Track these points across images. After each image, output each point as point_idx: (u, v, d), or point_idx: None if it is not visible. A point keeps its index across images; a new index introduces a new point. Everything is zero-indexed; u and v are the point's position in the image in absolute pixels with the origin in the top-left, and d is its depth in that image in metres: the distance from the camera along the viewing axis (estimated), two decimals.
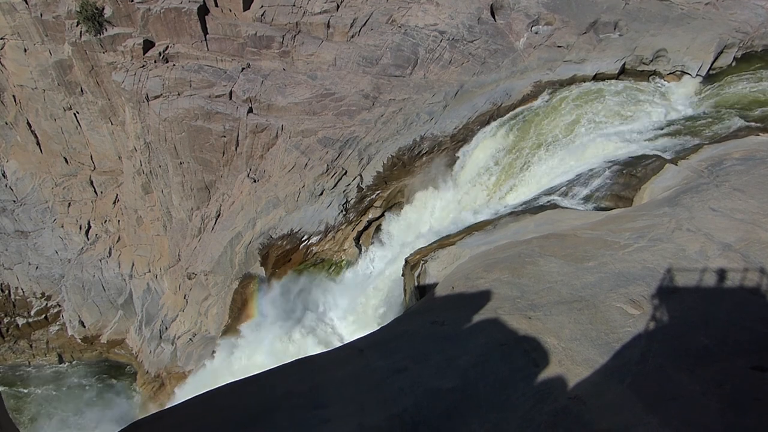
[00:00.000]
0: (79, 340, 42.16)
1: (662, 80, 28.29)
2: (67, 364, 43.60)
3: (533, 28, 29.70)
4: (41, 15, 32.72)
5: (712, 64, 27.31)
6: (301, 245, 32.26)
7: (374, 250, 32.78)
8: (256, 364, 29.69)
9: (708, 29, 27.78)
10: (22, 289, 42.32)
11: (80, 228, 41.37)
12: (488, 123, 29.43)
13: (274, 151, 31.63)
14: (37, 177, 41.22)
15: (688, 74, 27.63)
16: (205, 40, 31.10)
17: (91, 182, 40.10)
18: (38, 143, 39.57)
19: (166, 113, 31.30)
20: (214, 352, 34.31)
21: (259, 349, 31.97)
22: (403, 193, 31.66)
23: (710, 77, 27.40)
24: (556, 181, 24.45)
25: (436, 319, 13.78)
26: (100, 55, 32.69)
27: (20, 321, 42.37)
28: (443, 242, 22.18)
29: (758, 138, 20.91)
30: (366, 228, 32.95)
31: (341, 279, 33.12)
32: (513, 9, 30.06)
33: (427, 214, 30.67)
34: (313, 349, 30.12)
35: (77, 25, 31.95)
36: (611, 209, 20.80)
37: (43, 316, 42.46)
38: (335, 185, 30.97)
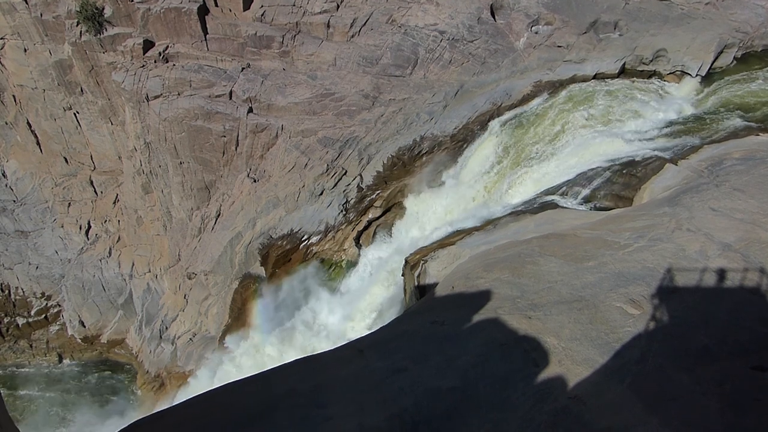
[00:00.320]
0: (79, 340, 42.16)
1: (662, 80, 28.29)
2: (67, 363, 43.58)
3: (533, 27, 29.69)
4: (41, 15, 32.72)
5: (712, 64, 27.31)
6: (301, 245, 32.26)
7: (374, 249, 32.78)
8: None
9: (708, 29, 27.78)
10: (22, 289, 42.32)
11: (80, 228, 41.37)
12: (487, 122, 29.44)
13: (274, 151, 31.63)
14: (37, 177, 41.22)
15: (688, 74, 27.63)
16: (205, 40, 31.09)
17: (91, 182, 40.09)
18: (38, 143, 39.56)
19: (166, 113, 31.30)
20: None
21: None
22: (403, 193, 31.66)
23: (710, 77, 27.40)
24: (556, 181, 24.44)
25: (436, 319, 13.78)
26: (100, 55, 32.68)
27: (20, 321, 42.36)
28: (443, 242, 22.18)
29: (758, 138, 20.90)
30: (366, 228, 32.94)
31: (338, 288, 33.13)
32: (513, 9, 30.05)
33: (429, 213, 30.67)
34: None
35: (77, 25, 31.95)
36: (611, 209, 20.80)
37: (43, 315, 42.46)
38: (335, 185, 30.96)
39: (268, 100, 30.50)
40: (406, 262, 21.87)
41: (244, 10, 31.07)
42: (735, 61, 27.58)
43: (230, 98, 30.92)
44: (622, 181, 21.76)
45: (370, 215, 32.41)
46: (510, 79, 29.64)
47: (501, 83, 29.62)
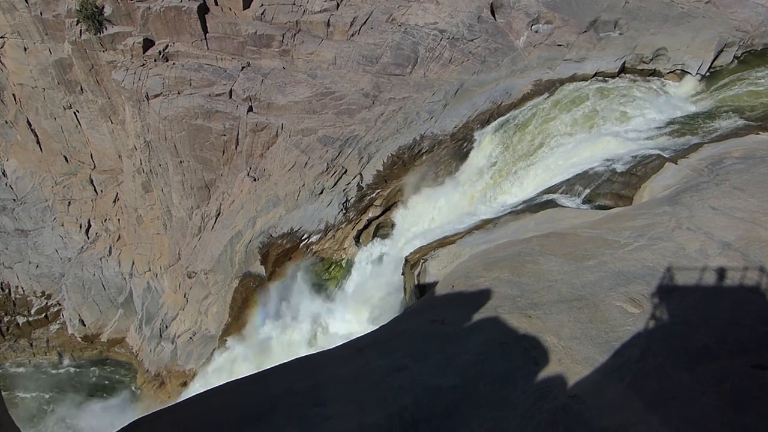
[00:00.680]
0: (80, 339, 42.17)
1: (662, 79, 28.28)
2: (67, 362, 43.59)
3: (533, 26, 29.68)
4: (41, 14, 32.69)
5: (712, 63, 27.31)
6: (301, 244, 32.25)
7: (374, 248, 32.78)
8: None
9: (708, 28, 27.76)
10: (22, 288, 42.33)
11: (80, 227, 41.37)
12: (488, 122, 29.45)
13: (274, 149, 31.62)
14: (37, 176, 41.21)
15: (689, 73, 27.61)
16: (205, 38, 31.07)
17: (91, 181, 40.08)
18: (38, 142, 39.55)
19: (166, 112, 31.28)
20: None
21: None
22: (403, 192, 31.64)
23: (710, 76, 27.38)
24: (556, 180, 24.43)
25: (436, 317, 13.78)
26: (100, 54, 32.66)
27: (20, 320, 42.38)
28: (443, 241, 22.17)
29: (758, 137, 20.87)
30: (366, 227, 32.93)
31: (338, 287, 33.12)
32: (513, 8, 30.04)
33: (429, 213, 30.66)
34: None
35: (77, 24, 31.93)
36: (611, 208, 20.78)
37: (44, 314, 42.47)
38: (335, 184, 30.95)
39: (268, 99, 30.49)
40: (406, 260, 21.88)
41: (244, 9, 31.06)
42: (735, 60, 27.56)
43: (230, 97, 30.90)
44: (622, 180, 21.75)
45: (370, 214, 32.40)
46: (510, 78, 29.63)
47: (501, 82, 29.61)
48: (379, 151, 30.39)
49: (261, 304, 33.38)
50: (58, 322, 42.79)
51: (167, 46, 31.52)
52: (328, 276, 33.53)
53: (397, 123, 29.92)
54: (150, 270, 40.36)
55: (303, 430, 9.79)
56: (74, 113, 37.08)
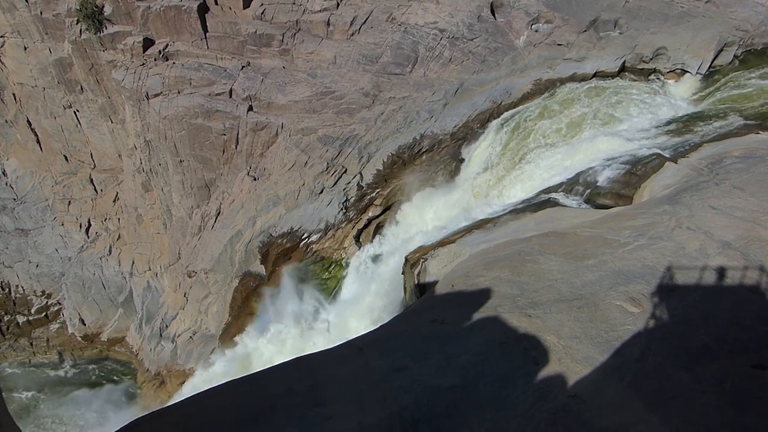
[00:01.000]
0: (80, 338, 42.18)
1: (662, 78, 28.26)
2: (67, 362, 43.60)
3: (533, 26, 29.67)
4: (41, 13, 32.68)
5: (712, 62, 27.30)
6: (301, 243, 32.26)
7: (374, 247, 32.79)
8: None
9: (708, 27, 27.75)
10: (22, 287, 42.33)
11: (80, 226, 41.36)
12: (488, 121, 29.44)
13: (274, 149, 31.62)
14: (37, 175, 41.20)
15: (689, 72, 27.60)
16: (205, 38, 31.06)
17: (91, 180, 40.08)
18: (38, 141, 39.54)
19: (166, 111, 31.27)
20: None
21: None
22: (403, 191, 31.65)
23: (710, 75, 27.37)
24: (556, 180, 24.44)
25: (435, 317, 13.77)
26: (100, 53, 32.65)
27: (20, 319, 42.37)
28: (443, 240, 22.18)
29: (758, 136, 20.88)
30: (366, 226, 32.94)
31: (338, 286, 33.13)
32: (513, 7, 30.03)
33: (429, 212, 30.68)
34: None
35: (77, 23, 31.91)
36: (611, 207, 20.78)
37: (44, 314, 42.47)
38: (335, 183, 30.95)
39: (268, 99, 30.48)
40: (406, 260, 21.88)
41: (244, 8, 31.04)
42: (735, 60, 27.54)
43: (230, 96, 30.89)
44: (622, 180, 21.76)
45: (370, 213, 32.42)
46: (510, 78, 29.62)
47: (501, 81, 29.60)
48: (379, 151, 30.39)
49: (260, 308, 33.44)
50: (58, 321, 42.79)
51: (167, 45, 31.50)
52: (328, 275, 33.52)
53: (397, 122, 29.92)
54: (150, 269, 40.36)
55: (303, 430, 9.79)
56: (74, 113, 37.07)
